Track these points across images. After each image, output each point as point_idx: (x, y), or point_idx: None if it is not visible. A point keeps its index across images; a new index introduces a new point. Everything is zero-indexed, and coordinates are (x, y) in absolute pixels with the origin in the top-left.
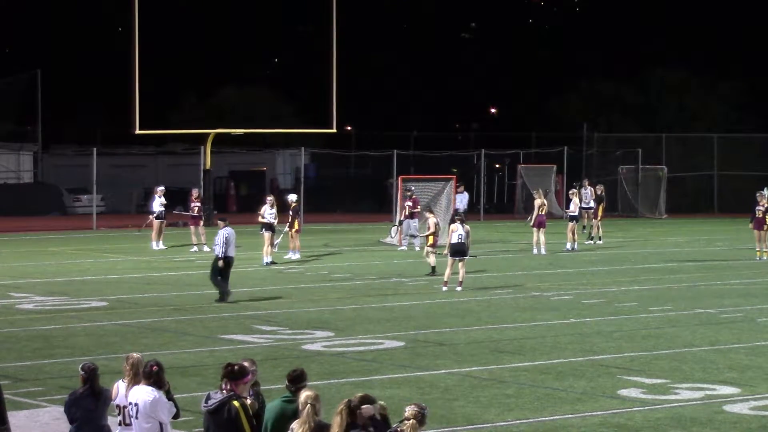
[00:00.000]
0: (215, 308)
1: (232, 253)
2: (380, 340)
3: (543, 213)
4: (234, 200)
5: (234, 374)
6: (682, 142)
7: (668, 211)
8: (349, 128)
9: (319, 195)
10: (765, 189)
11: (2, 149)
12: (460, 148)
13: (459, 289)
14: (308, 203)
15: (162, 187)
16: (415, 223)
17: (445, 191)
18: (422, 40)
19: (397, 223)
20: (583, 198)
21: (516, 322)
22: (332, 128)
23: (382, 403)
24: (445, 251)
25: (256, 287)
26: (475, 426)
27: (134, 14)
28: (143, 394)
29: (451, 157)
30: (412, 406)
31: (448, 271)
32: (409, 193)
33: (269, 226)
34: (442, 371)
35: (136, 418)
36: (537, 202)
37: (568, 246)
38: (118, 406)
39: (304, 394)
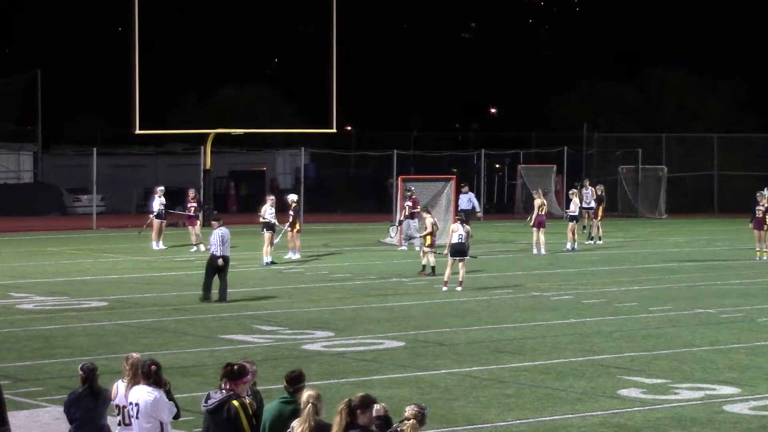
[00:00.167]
0: (215, 308)
1: (227, 252)
2: (380, 340)
3: (543, 213)
4: (234, 200)
5: (233, 374)
6: (682, 142)
7: (668, 211)
8: (349, 128)
9: (319, 195)
10: (765, 189)
11: (2, 149)
12: (460, 148)
13: (459, 289)
14: (308, 203)
15: (162, 187)
16: (415, 223)
17: (445, 191)
18: (422, 40)
19: (396, 223)
20: (584, 198)
21: (516, 322)
22: (332, 128)
23: (382, 404)
24: (445, 251)
25: (256, 287)
26: (475, 426)
27: (134, 14)
28: (144, 393)
29: (451, 157)
30: (412, 406)
31: (448, 271)
32: (409, 193)
33: (270, 226)
34: (442, 371)
35: (137, 418)
36: (537, 202)
37: (568, 246)
38: (117, 406)
39: (306, 393)
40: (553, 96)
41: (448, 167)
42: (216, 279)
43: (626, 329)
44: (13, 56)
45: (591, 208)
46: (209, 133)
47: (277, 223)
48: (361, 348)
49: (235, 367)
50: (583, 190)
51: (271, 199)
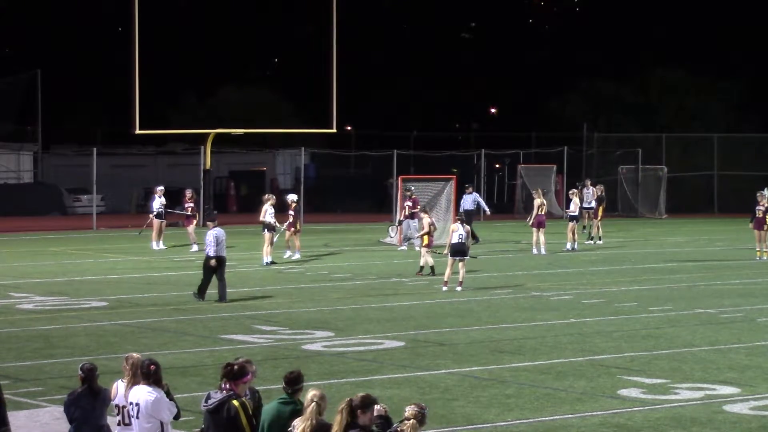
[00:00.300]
0: (215, 308)
1: (222, 252)
2: (380, 340)
3: (542, 213)
4: (234, 200)
5: (233, 374)
6: (682, 142)
7: (668, 211)
8: (349, 128)
9: (319, 195)
10: (765, 189)
11: (2, 149)
12: (460, 148)
13: (459, 289)
14: (308, 203)
15: (162, 187)
16: (415, 223)
17: (445, 191)
18: (422, 40)
19: (396, 223)
20: (585, 198)
21: (516, 322)
22: (332, 128)
23: (382, 404)
24: (445, 251)
25: (256, 287)
26: (475, 426)
27: (134, 14)
28: (144, 393)
29: (451, 157)
30: (412, 406)
31: (448, 271)
32: (408, 193)
33: (270, 227)
34: (442, 371)
35: (137, 417)
36: (536, 202)
37: (568, 246)
38: (117, 406)
39: (311, 393)
40: (553, 96)
41: (448, 167)
42: (215, 279)
43: (626, 329)
44: (13, 56)
45: (591, 208)
46: (209, 133)
47: (276, 224)
48: (361, 348)
49: (235, 367)
50: (584, 190)
51: (271, 198)
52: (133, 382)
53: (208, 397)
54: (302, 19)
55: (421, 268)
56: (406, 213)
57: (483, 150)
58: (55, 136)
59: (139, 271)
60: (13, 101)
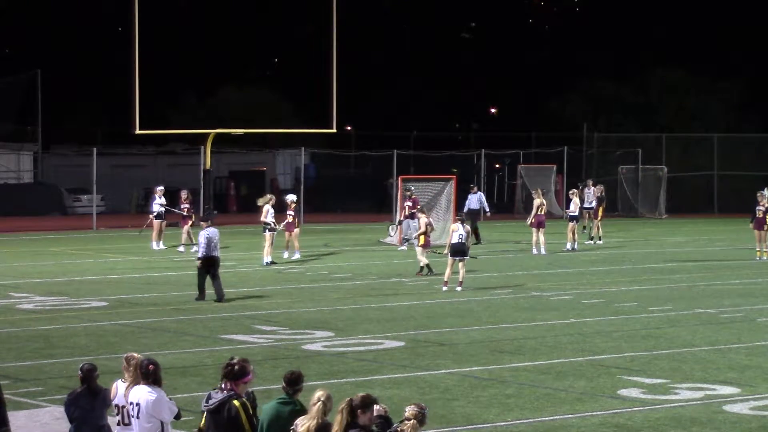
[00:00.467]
0: (215, 308)
1: (215, 253)
2: (380, 340)
3: (542, 213)
4: (234, 200)
5: (234, 374)
6: (682, 142)
7: (668, 211)
8: (349, 128)
9: (319, 195)
10: (765, 189)
11: (2, 149)
12: (460, 148)
13: (459, 289)
14: (308, 203)
15: (161, 187)
16: (415, 223)
17: (445, 191)
18: (422, 40)
19: (396, 223)
20: (586, 198)
21: (516, 322)
22: (332, 128)
23: (382, 405)
24: (446, 251)
25: (256, 287)
26: (475, 426)
27: (134, 14)
28: (144, 393)
29: (451, 157)
30: (413, 406)
31: (448, 271)
32: (408, 193)
33: (270, 227)
34: (442, 371)
35: (138, 417)
36: (536, 202)
37: (568, 246)
38: (117, 405)
39: (318, 392)
40: (553, 96)
41: (448, 167)
42: (214, 279)
43: (626, 329)
44: (13, 56)
45: (592, 209)
46: (209, 133)
47: (274, 224)
48: (361, 348)
49: (236, 367)
50: (586, 190)
51: (271, 198)
52: (134, 382)
53: (209, 398)
54: (302, 19)
55: (421, 268)
56: (406, 213)
57: (483, 150)
58: (55, 136)
59: (139, 271)
60: (13, 101)
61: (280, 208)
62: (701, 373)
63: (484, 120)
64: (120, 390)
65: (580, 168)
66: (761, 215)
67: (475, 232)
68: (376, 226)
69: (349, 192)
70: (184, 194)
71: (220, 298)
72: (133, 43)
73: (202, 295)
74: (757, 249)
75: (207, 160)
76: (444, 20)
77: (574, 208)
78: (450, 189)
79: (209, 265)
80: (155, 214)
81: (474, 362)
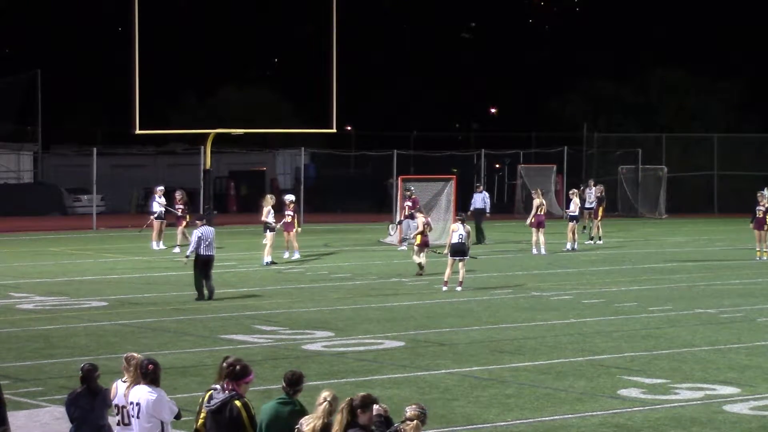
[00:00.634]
0: (215, 308)
1: (210, 252)
2: (380, 340)
3: (542, 213)
4: (234, 200)
5: (236, 374)
6: (682, 142)
7: (668, 211)
8: (349, 128)
9: (319, 195)
10: (765, 189)
11: (2, 149)
12: (460, 148)
13: (459, 289)
14: (308, 203)
15: (162, 187)
16: (414, 223)
17: (445, 191)
18: (422, 40)
19: (396, 222)
20: (588, 198)
21: (516, 322)
22: (332, 128)
23: (383, 404)
24: (446, 251)
25: (256, 287)
26: (475, 426)
27: (134, 14)
28: (145, 393)
29: (451, 157)
30: (414, 406)
31: (448, 271)
32: (408, 193)
33: (270, 227)
34: (442, 371)
35: (138, 417)
36: (536, 202)
37: (568, 246)
38: (116, 405)
39: (324, 392)
40: (553, 96)
41: (448, 167)
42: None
43: (626, 329)
44: (13, 56)
45: (592, 209)
46: (209, 133)
47: (274, 223)
48: (361, 348)
49: (237, 367)
50: (587, 190)
51: (271, 198)
52: (134, 382)
53: (211, 398)
54: (302, 19)
55: (420, 266)
56: (406, 213)
57: (483, 150)
58: (55, 136)
59: (139, 271)
60: (13, 101)
61: (279, 209)
62: (701, 373)
63: (484, 120)
64: (120, 390)
65: (580, 168)
66: (761, 215)
67: (479, 231)
68: (376, 226)
69: (349, 192)
70: (178, 194)
71: (210, 295)
72: (133, 43)
73: (201, 295)
74: (757, 249)
75: (207, 160)
76: (444, 20)
77: (574, 208)
78: (450, 189)
79: (204, 264)
80: (156, 215)
81: (474, 362)
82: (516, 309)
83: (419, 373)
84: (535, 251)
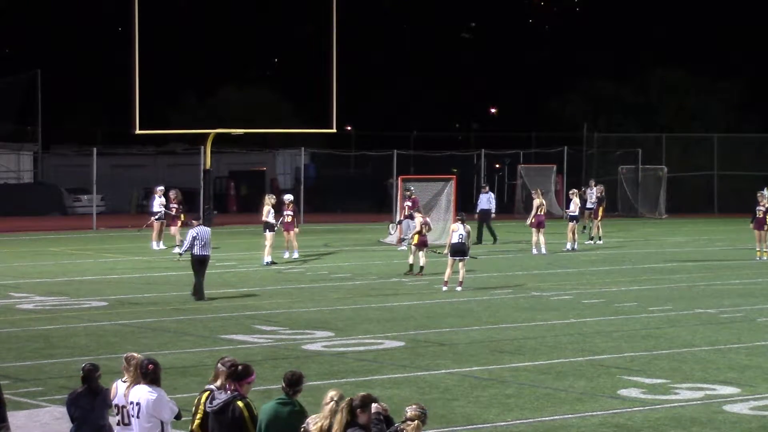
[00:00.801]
0: (215, 308)
1: (206, 252)
2: (380, 340)
3: (542, 213)
4: (234, 200)
5: (238, 374)
6: (682, 142)
7: (668, 211)
8: (349, 128)
9: (319, 195)
10: (765, 189)
11: (2, 149)
12: (460, 148)
13: (459, 289)
14: (308, 203)
15: (162, 187)
16: (414, 223)
17: (445, 191)
18: (422, 40)
19: (396, 222)
20: (589, 198)
21: (516, 322)
22: (332, 128)
23: (383, 404)
24: (446, 251)
25: (256, 287)
26: (475, 426)
27: (134, 14)
28: (145, 393)
29: (451, 157)
30: (414, 406)
31: (448, 271)
32: (408, 193)
33: (270, 226)
34: (442, 371)
35: (138, 417)
36: (536, 202)
37: (568, 246)
38: (116, 405)
39: (331, 392)
40: (553, 96)
41: (448, 167)
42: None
43: (626, 329)
44: (13, 56)
45: (592, 209)
46: (209, 133)
47: (275, 223)
48: (361, 348)
49: (240, 367)
50: (588, 191)
51: (271, 198)
52: (135, 382)
53: (213, 398)
54: (302, 19)
55: (421, 268)
56: (406, 213)
57: (483, 150)
58: (55, 136)
59: (139, 271)
60: (13, 101)
61: (279, 209)
62: (701, 373)
63: (484, 120)
64: (120, 390)
65: (580, 168)
66: (761, 215)
67: (490, 230)
68: (376, 226)
69: (349, 192)
70: (173, 194)
71: (197, 293)
72: (133, 43)
73: (201, 296)
74: (757, 249)
75: (207, 160)
76: (444, 20)
77: (574, 208)
78: (450, 189)
79: (199, 264)
80: (157, 216)
81: (474, 362)
82: (516, 309)
83: (419, 373)
84: (535, 251)
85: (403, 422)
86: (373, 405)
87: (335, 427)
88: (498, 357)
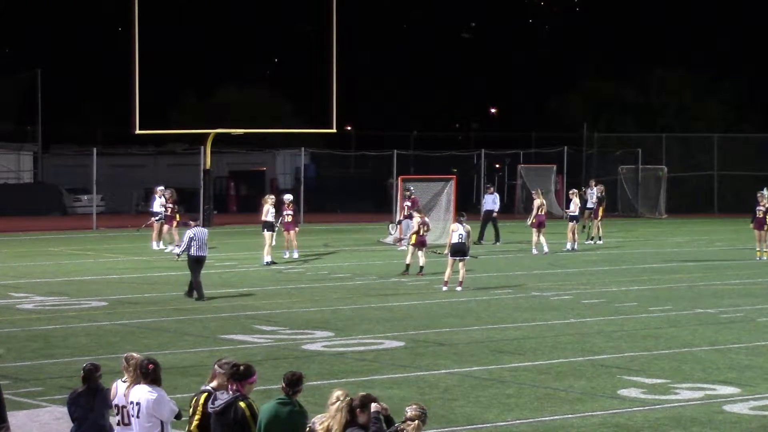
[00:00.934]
0: (215, 308)
1: (202, 252)
2: (380, 340)
3: (542, 213)
4: (234, 200)
5: (240, 374)
6: (682, 142)
7: (668, 211)
8: (349, 128)
9: (319, 195)
10: (765, 189)
11: (2, 149)
12: (460, 148)
13: (459, 289)
14: (308, 203)
15: (162, 187)
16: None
17: (445, 191)
18: (422, 40)
19: (396, 222)
20: (589, 198)
21: (516, 322)
22: (332, 128)
23: (383, 404)
24: (446, 251)
25: (256, 287)
26: (475, 426)
27: (134, 14)
28: (145, 393)
29: (451, 157)
30: (414, 406)
31: (448, 271)
32: (408, 193)
33: (270, 226)
34: (442, 371)
35: (138, 417)
36: (536, 202)
37: (568, 246)
38: (116, 405)
39: (337, 392)
40: (553, 96)
41: (448, 167)
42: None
43: (626, 329)
44: (13, 56)
45: (592, 209)
46: (209, 133)
47: (275, 223)
48: (361, 348)
49: (241, 367)
50: (589, 191)
51: (271, 198)
52: (135, 382)
53: (215, 399)
54: (302, 19)
55: (421, 268)
56: (406, 213)
57: (483, 150)
58: (55, 136)
59: (139, 271)
60: (13, 101)
61: (278, 209)
62: (701, 373)
63: (484, 120)
64: (120, 390)
65: (580, 168)
66: (761, 215)
67: (495, 230)
68: (376, 226)
69: (349, 192)
70: (167, 194)
71: (190, 292)
72: (133, 43)
73: (201, 295)
74: (757, 249)
75: (207, 160)
76: (444, 20)
77: (574, 208)
78: (450, 189)
79: (196, 264)
80: (158, 216)
81: (474, 362)
82: (516, 309)
83: (419, 373)
84: (535, 251)
85: (403, 422)
86: (374, 405)
87: (335, 426)
88: (498, 357)
